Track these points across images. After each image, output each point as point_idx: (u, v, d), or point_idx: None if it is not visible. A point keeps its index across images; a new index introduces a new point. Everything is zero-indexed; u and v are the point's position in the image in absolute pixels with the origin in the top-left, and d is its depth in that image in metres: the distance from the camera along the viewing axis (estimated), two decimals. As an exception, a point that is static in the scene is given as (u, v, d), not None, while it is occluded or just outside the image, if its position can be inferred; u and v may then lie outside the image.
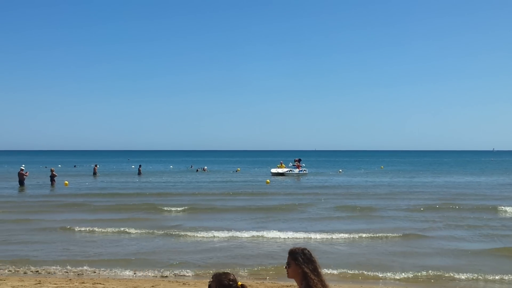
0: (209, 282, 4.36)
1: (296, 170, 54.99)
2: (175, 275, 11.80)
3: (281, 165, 56.82)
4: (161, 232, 17.26)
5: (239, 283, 4.23)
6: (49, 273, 11.97)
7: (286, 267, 4.65)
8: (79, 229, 17.82)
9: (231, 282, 4.20)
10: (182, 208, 23.35)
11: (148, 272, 11.99)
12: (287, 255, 4.65)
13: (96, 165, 59.11)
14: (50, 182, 39.69)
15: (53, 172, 40.57)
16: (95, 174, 54.22)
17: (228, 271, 4.40)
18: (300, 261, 4.52)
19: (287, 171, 53.89)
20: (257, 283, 10.79)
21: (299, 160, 58.79)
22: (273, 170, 54.68)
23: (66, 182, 39.57)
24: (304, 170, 56.46)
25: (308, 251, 4.65)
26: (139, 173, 55.44)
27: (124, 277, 11.50)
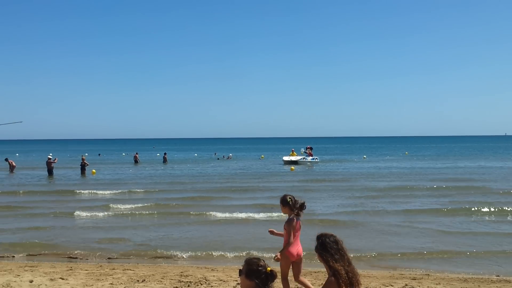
0: (241, 267, 4.34)
1: (309, 158, 53.70)
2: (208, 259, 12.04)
3: (293, 153, 54.57)
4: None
5: (268, 268, 4.18)
6: (81, 259, 12.30)
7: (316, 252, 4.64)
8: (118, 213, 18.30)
9: (260, 268, 4.16)
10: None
11: (177, 257, 12.29)
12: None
13: (136, 153, 59.51)
14: (80, 171, 38.71)
15: (84, 161, 39.42)
16: (137, 162, 54.81)
17: (259, 257, 4.34)
18: (323, 249, 4.53)
19: (300, 159, 52.16)
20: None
21: (311, 148, 57.51)
22: (285, 158, 52.50)
23: (94, 170, 39.70)
24: (316, 158, 54.98)
25: (333, 238, 4.59)
26: (165, 161, 55.76)
27: (154, 263, 11.74)
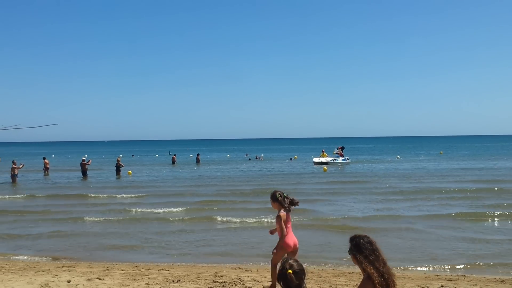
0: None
1: (340, 159, 52.52)
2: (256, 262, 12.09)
3: (323, 153, 53.58)
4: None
5: (289, 271, 4.12)
6: (118, 260, 12.47)
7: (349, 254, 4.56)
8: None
9: (283, 271, 4.13)
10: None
11: (212, 258, 12.38)
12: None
13: (174, 155, 60.45)
14: (115, 172, 39.79)
15: (119, 162, 40.44)
16: (174, 163, 55.72)
17: (288, 259, 4.27)
18: (357, 250, 4.41)
19: (330, 160, 51.18)
20: (318, 269, 10.89)
21: (342, 148, 56.37)
22: (316, 160, 51.62)
23: (130, 171, 40.38)
24: (347, 158, 53.77)
25: (368, 238, 4.48)
26: (198, 162, 56.23)
27: (189, 263, 11.84)
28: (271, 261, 8.11)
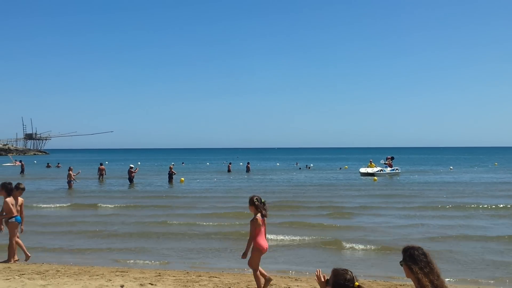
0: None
1: (388, 169, 50.12)
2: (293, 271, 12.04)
3: (371, 164, 51.58)
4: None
5: (356, 283, 4.09)
6: (169, 264, 12.65)
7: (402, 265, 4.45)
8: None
9: (347, 283, 4.09)
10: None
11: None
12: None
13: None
14: (168, 180, 40.48)
15: (172, 169, 41.36)
16: (248, 171, 56.26)
17: (347, 269, 4.25)
18: (412, 262, 4.32)
19: (377, 170, 48.66)
20: (369, 281, 10.75)
21: (392, 158, 53.40)
22: (362, 170, 49.76)
23: (182, 179, 41.17)
24: (397, 169, 51.78)
25: (422, 250, 4.39)
26: (248, 170, 56.53)
27: (239, 272, 11.88)
28: (249, 265, 8.75)
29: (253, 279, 10.49)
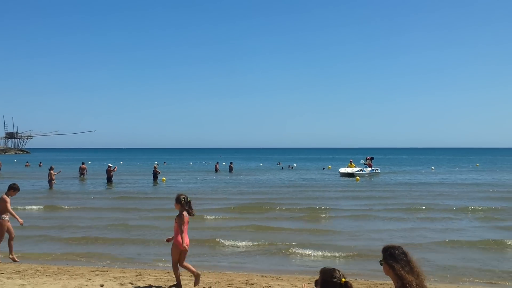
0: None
1: (368, 169, 50.12)
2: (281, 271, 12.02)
3: (351, 164, 51.04)
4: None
5: (343, 279, 4.15)
6: (148, 264, 12.54)
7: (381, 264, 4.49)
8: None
9: (334, 279, 4.13)
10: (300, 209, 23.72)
11: (242, 265, 12.38)
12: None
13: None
14: (152, 179, 40.50)
15: (156, 169, 41.33)
16: (231, 170, 56.08)
17: (335, 268, 4.29)
18: (392, 260, 4.34)
19: (357, 171, 48.45)
20: (349, 280, 10.70)
21: (371, 159, 53.49)
22: (342, 170, 49.61)
23: (164, 178, 41.02)
24: (376, 169, 52.00)
25: (402, 249, 4.42)
26: (230, 170, 56.45)
27: (220, 270, 11.83)
28: (172, 261, 9.13)
29: (234, 278, 10.54)
